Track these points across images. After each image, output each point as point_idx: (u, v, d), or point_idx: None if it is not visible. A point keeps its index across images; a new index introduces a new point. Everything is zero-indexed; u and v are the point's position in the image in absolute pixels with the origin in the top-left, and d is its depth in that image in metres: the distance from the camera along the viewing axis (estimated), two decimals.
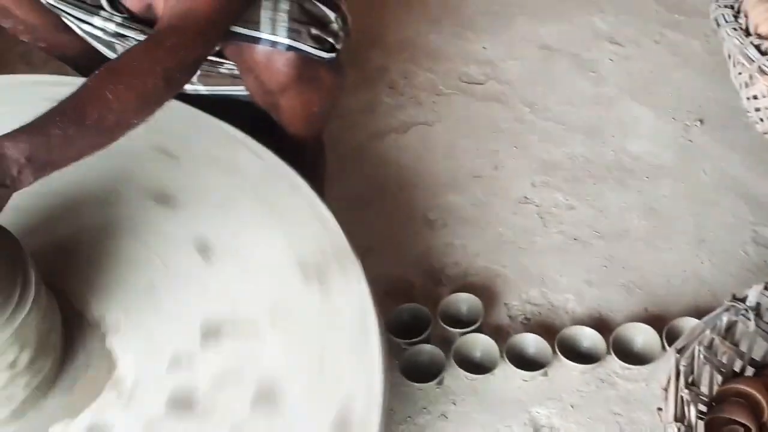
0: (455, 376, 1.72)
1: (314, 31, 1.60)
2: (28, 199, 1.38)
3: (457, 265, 1.93)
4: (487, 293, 1.86)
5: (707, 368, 1.50)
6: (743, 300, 1.54)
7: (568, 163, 2.11)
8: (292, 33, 1.58)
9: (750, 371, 1.58)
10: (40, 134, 1.24)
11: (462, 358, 1.73)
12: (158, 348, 1.47)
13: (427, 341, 1.75)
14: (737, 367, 1.56)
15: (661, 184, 2.08)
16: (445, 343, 1.75)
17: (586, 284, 1.90)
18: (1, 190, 1.20)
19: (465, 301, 1.82)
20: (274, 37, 1.58)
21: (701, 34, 2.36)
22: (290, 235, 1.61)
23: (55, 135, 1.25)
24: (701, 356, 1.48)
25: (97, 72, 1.35)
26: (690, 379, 1.43)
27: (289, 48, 1.59)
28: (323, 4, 1.64)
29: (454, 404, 1.71)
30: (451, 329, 1.76)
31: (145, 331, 1.49)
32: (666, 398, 1.41)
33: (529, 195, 2.05)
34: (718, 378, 1.53)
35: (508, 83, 2.27)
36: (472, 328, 1.77)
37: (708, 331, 1.50)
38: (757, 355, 1.58)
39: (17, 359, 1.33)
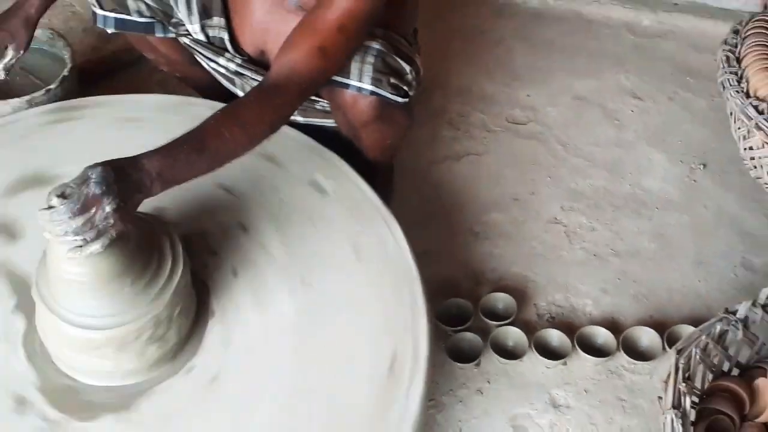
0: (490, 360, 1.73)
1: (393, 80, 1.60)
2: (173, 200, 1.45)
3: (495, 270, 1.93)
4: (519, 294, 1.86)
5: (701, 367, 1.50)
6: (734, 313, 1.54)
7: (592, 193, 2.10)
8: (375, 81, 1.58)
9: (736, 372, 1.58)
10: (169, 156, 1.28)
11: (497, 346, 1.74)
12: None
13: (468, 330, 1.76)
14: (725, 368, 1.56)
15: (669, 215, 2.06)
16: (484, 332, 1.76)
17: (602, 292, 1.90)
18: (137, 196, 1.24)
19: (501, 300, 1.83)
20: (360, 84, 1.58)
21: (707, 94, 2.32)
22: (361, 236, 1.62)
23: (180, 159, 1.29)
24: (697, 357, 1.48)
25: (218, 112, 1.38)
26: (686, 375, 1.43)
27: (372, 93, 1.59)
28: (402, 59, 1.63)
29: (488, 382, 1.72)
30: (489, 322, 1.77)
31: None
32: (665, 389, 1.41)
33: (558, 217, 2.04)
34: (710, 376, 1.53)
35: (546, 125, 2.25)
36: (506, 322, 1.78)
37: (704, 337, 1.50)
38: (743, 358, 1.58)
39: (174, 312, 1.38)
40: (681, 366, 1.44)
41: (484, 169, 2.14)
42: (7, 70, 1.62)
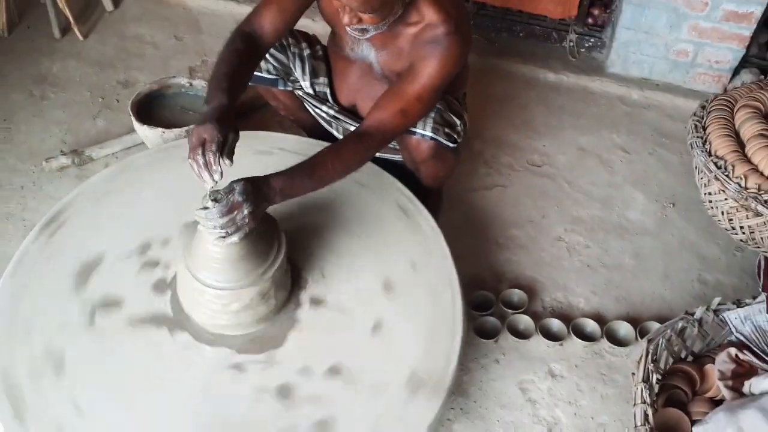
0: (506, 338, 1.74)
1: (447, 130, 1.63)
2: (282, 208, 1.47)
3: (513, 272, 1.93)
4: (530, 291, 1.86)
5: (665, 353, 1.50)
6: (692, 314, 1.55)
7: (588, 220, 2.09)
8: (434, 130, 1.60)
9: (691, 358, 1.58)
10: (288, 178, 1.32)
11: (511, 328, 1.75)
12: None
13: (491, 315, 1.76)
14: (683, 355, 1.57)
15: (645, 239, 2.05)
16: (502, 318, 1.76)
17: (592, 294, 1.89)
18: (264, 204, 1.28)
19: (516, 294, 1.83)
20: (423, 131, 1.60)
21: (678, 152, 2.30)
22: (412, 243, 1.65)
23: (296, 180, 1.34)
24: (662, 345, 1.49)
25: (325, 149, 1.42)
26: (654, 358, 1.44)
27: (431, 138, 1.61)
28: (454, 114, 1.65)
29: (504, 355, 1.73)
30: (506, 310, 1.78)
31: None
32: (637, 368, 1.43)
33: (562, 236, 2.04)
34: (671, 360, 1.54)
35: (556, 168, 2.24)
36: (519, 311, 1.78)
37: (668, 331, 1.51)
38: (696, 349, 1.58)
39: (277, 281, 1.42)
40: (650, 351, 1.45)
41: (508, 197, 2.14)
42: (231, 152, 1.33)
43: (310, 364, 1.41)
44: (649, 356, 1.43)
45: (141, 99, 2.10)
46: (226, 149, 1.26)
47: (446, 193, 2.05)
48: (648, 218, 2.10)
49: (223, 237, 1.25)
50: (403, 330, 1.47)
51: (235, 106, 1.35)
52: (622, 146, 2.33)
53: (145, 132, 2.01)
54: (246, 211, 1.23)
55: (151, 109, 2.14)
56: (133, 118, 2.02)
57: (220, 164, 1.23)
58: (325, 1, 1.55)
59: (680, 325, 1.53)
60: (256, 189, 1.25)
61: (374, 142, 1.47)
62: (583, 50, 2.61)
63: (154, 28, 2.64)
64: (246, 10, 2.61)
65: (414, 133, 1.61)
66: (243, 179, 1.25)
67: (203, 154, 1.22)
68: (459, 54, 1.46)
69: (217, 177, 1.23)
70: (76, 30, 2.51)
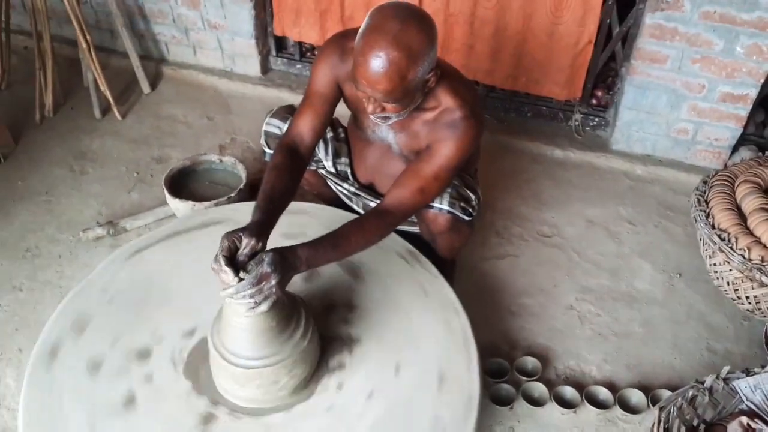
0: (521, 405, 1.73)
1: (462, 204, 1.66)
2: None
3: (526, 340, 1.92)
4: (543, 359, 1.85)
5: (677, 421, 1.48)
6: (702, 383, 1.54)
7: (598, 289, 2.09)
8: (450, 204, 1.64)
9: (702, 427, 1.55)
10: (313, 249, 1.35)
11: (526, 396, 1.74)
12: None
13: (506, 383, 1.75)
14: (695, 423, 1.53)
15: (653, 309, 2.04)
16: (517, 385, 1.75)
17: (604, 362, 1.88)
18: (291, 273, 1.30)
19: (530, 362, 1.82)
20: (440, 205, 1.64)
21: (682, 224, 2.31)
22: (432, 309, 1.65)
23: (321, 251, 1.36)
24: (674, 413, 1.47)
25: (349, 223, 1.45)
26: (666, 427, 1.43)
27: (448, 212, 1.65)
28: (468, 189, 1.69)
29: (519, 422, 1.71)
30: (521, 377, 1.77)
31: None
32: None
33: (573, 305, 2.04)
34: (683, 428, 1.49)
35: (565, 239, 2.26)
36: (534, 378, 1.77)
37: (680, 399, 1.49)
38: (708, 417, 1.55)
39: (303, 357, 1.42)
40: (662, 419, 1.43)
41: (520, 267, 2.15)
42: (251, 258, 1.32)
43: None
44: (662, 424, 1.42)
45: (174, 174, 2.19)
46: (242, 256, 1.28)
47: (461, 263, 2.07)
48: (656, 288, 2.11)
49: (252, 308, 1.27)
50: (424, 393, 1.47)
51: (272, 219, 1.39)
52: (628, 218, 2.35)
53: (176, 205, 2.09)
54: (273, 281, 1.26)
55: (183, 183, 2.23)
56: (166, 192, 2.10)
57: (225, 267, 1.25)
58: (348, 90, 1.62)
59: (691, 393, 1.51)
60: (282, 259, 1.28)
61: (395, 219, 1.51)
62: (588, 128, 2.67)
63: (187, 109, 2.76)
64: (272, 93, 2.81)
65: (432, 207, 1.65)
66: (271, 250, 1.28)
67: (215, 259, 1.27)
68: (474, 136, 1.52)
69: (227, 279, 1.25)
70: (115, 110, 2.64)
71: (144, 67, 2.78)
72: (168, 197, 2.10)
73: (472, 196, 1.70)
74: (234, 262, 1.27)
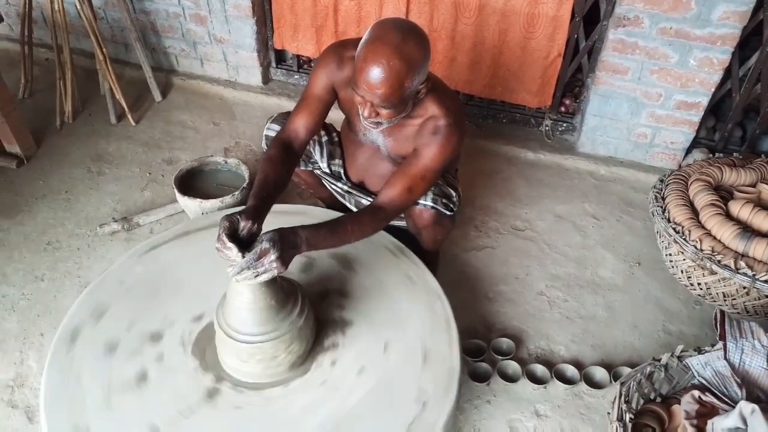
0: (496, 382, 1.73)
1: (444, 200, 1.66)
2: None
3: (501, 323, 1.93)
4: (517, 340, 1.86)
5: (636, 395, 1.49)
6: (659, 360, 1.55)
7: (566, 277, 2.09)
8: (434, 200, 1.64)
9: (659, 399, 1.56)
10: (314, 231, 1.34)
11: (501, 373, 1.75)
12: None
13: (483, 361, 1.76)
14: (652, 396, 1.55)
15: (615, 294, 2.05)
16: (493, 363, 1.76)
17: (571, 342, 1.88)
18: (291, 251, 1.29)
19: (505, 343, 1.83)
20: (425, 201, 1.64)
21: (641, 218, 2.32)
22: (418, 295, 1.64)
23: (320, 234, 1.35)
24: (634, 388, 1.48)
25: (347, 215, 1.45)
26: (626, 399, 1.44)
27: (432, 207, 1.65)
28: (450, 187, 1.69)
29: (494, 396, 1.72)
30: (497, 356, 1.77)
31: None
32: (612, 408, 1.43)
33: (544, 291, 2.04)
34: (641, 401, 1.52)
35: (537, 232, 2.26)
36: (508, 357, 1.77)
37: (639, 375, 1.50)
38: (663, 391, 1.56)
39: (299, 335, 1.41)
40: (623, 393, 1.44)
41: (496, 257, 2.15)
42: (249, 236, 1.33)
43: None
44: (622, 397, 1.43)
45: (183, 174, 2.18)
46: (242, 234, 1.29)
47: (442, 254, 2.07)
48: (617, 276, 2.12)
49: (255, 276, 1.26)
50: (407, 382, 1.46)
51: (266, 205, 1.39)
52: (593, 214, 2.36)
53: (185, 202, 2.07)
54: (273, 256, 1.24)
55: (191, 183, 2.21)
56: (175, 191, 2.09)
57: (229, 243, 1.25)
58: (344, 94, 1.62)
59: (648, 369, 1.53)
60: (282, 237, 1.27)
61: (387, 215, 1.51)
62: (557, 133, 2.68)
63: (195, 115, 2.74)
64: (272, 101, 2.80)
65: (417, 203, 1.65)
66: (272, 230, 1.28)
67: (218, 239, 1.27)
68: (456, 141, 1.52)
69: (230, 254, 1.25)
70: (129, 117, 2.62)
71: (155, 77, 2.76)
72: (177, 195, 2.09)
73: (454, 194, 1.70)
74: (236, 238, 1.27)
